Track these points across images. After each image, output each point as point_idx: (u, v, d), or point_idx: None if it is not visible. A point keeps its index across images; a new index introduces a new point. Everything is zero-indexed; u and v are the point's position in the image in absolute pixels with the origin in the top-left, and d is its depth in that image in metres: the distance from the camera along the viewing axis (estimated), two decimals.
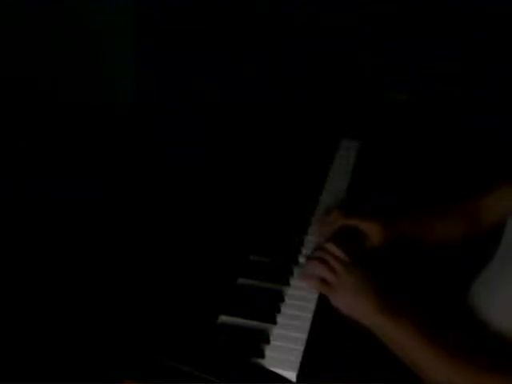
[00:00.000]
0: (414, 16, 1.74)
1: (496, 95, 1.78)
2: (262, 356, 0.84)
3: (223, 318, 0.91)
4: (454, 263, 1.28)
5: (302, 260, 1.05)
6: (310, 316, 0.93)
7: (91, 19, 1.10)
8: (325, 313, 0.96)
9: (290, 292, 0.97)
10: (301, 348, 0.86)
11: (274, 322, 0.91)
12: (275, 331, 0.89)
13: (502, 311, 0.93)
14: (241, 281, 0.99)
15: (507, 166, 1.50)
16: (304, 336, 0.88)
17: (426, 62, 1.80)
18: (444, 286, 1.20)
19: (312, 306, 0.95)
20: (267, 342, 0.87)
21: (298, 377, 0.82)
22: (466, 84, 1.80)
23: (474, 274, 1.05)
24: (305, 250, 1.08)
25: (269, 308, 0.93)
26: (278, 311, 0.93)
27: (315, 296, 0.97)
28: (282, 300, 0.96)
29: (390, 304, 0.90)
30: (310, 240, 1.11)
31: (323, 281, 0.95)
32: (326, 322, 0.99)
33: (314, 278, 0.96)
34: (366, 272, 0.94)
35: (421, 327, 0.87)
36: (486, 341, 0.94)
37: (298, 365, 0.83)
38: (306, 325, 0.91)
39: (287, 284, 0.99)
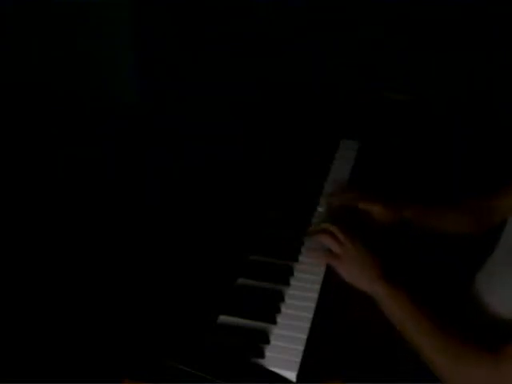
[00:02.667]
0: (414, 16, 1.74)
1: (497, 95, 1.78)
2: (262, 356, 0.84)
3: (223, 318, 0.91)
4: (456, 257, 1.28)
5: (302, 260, 1.05)
6: (309, 316, 0.93)
7: (92, 19, 1.10)
8: (325, 313, 0.97)
9: (290, 292, 0.97)
10: (301, 348, 0.86)
11: (274, 322, 0.91)
12: (275, 331, 0.89)
13: (502, 305, 0.94)
14: (241, 281, 0.99)
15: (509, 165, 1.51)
16: (304, 336, 0.88)
17: (425, 61, 1.80)
18: (447, 280, 1.21)
19: (312, 305, 0.95)
20: (267, 342, 0.87)
21: (298, 377, 0.82)
22: (466, 84, 1.79)
23: (476, 268, 1.05)
24: (305, 250, 1.08)
25: (269, 308, 0.93)
26: (278, 311, 0.93)
27: (315, 296, 0.97)
28: (282, 300, 0.96)
29: (388, 275, 0.95)
30: (310, 240, 1.11)
31: (330, 253, 0.99)
32: (326, 322, 0.99)
33: (321, 251, 1.01)
34: (369, 244, 0.99)
35: (414, 301, 0.91)
36: (486, 333, 0.94)
37: (298, 365, 0.83)
38: (306, 325, 0.91)
39: (287, 284, 0.99)
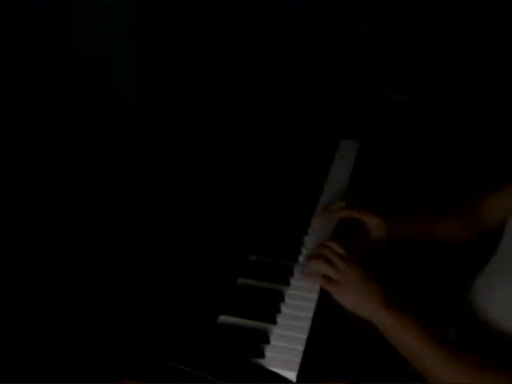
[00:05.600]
0: (414, 16, 1.74)
1: (496, 94, 1.78)
2: (262, 356, 0.84)
3: (223, 318, 0.91)
4: (455, 261, 1.28)
5: (302, 260, 1.05)
6: (310, 316, 0.93)
7: (91, 19, 1.10)
8: (325, 313, 0.96)
9: (290, 292, 0.97)
10: (301, 348, 0.86)
11: (274, 322, 0.90)
12: (275, 331, 0.89)
13: (501, 309, 0.93)
14: (241, 281, 0.99)
15: (509, 165, 1.50)
16: (304, 336, 0.88)
17: (425, 61, 1.80)
18: (445, 285, 1.20)
19: (312, 305, 0.95)
20: (267, 341, 0.87)
21: (298, 377, 0.82)
22: (466, 83, 1.80)
23: (475, 272, 1.05)
24: (305, 250, 1.08)
25: (269, 308, 0.93)
26: (278, 311, 0.93)
27: (315, 296, 0.97)
28: (282, 300, 0.96)
29: (393, 300, 0.91)
30: (310, 240, 1.11)
31: (326, 278, 0.96)
32: (326, 322, 0.99)
33: (316, 276, 0.97)
34: (368, 268, 0.95)
35: (423, 325, 0.87)
36: (486, 339, 0.94)
37: (298, 365, 0.83)
38: (306, 325, 0.91)
39: (287, 284, 0.99)
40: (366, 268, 0.95)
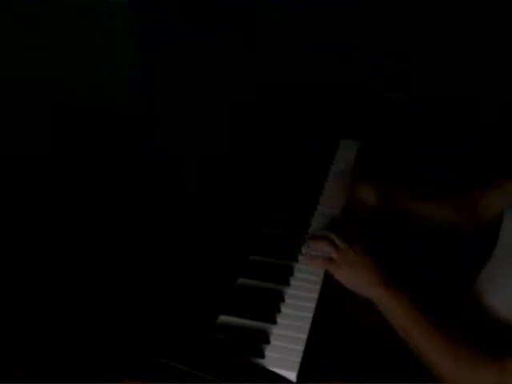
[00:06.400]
0: (414, 16, 1.74)
1: (496, 94, 1.78)
2: (262, 356, 0.84)
3: (223, 318, 0.91)
4: (457, 257, 1.29)
5: (302, 260, 1.05)
6: (310, 316, 0.93)
7: (90, 19, 1.10)
8: (325, 313, 0.97)
9: (290, 292, 0.98)
10: (301, 348, 0.86)
11: (274, 322, 0.91)
12: (275, 331, 0.89)
13: (503, 305, 0.94)
14: (241, 281, 0.99)
15: (509, 161, 1.51)
16: (304, 336, 0.88)
17: (425, 61, 1.80)
18: (448, 280, 1.21)
19: (312, 305, 0.95)
20: (267, 342, 0.87)
21: (298, 377, 0.82)
22: (466, 83, 1.80)
23: (478, 268, 1.05)
24: (305, 250, 1.08)
25: (269, 308, 0.93)
26: (278, 311, 0.93)
27: (315, 296, 0.97)
28: (282, 300, 0.96)
29: (390, 280, 0.94)
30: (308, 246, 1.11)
31: (327, 258, 0.99)
32: (326, 322, 0.99)
33: (318, 258, 1.00)
34: (367, 249, 0.98)
35: (417, 304, 0.90)
36: (489, 332, 0.94)
37: (298, 365, 0.83)
38: (306, 325, 0.91)
39: (287, 284, 0.99)
40: (364, 248, 0.98)
